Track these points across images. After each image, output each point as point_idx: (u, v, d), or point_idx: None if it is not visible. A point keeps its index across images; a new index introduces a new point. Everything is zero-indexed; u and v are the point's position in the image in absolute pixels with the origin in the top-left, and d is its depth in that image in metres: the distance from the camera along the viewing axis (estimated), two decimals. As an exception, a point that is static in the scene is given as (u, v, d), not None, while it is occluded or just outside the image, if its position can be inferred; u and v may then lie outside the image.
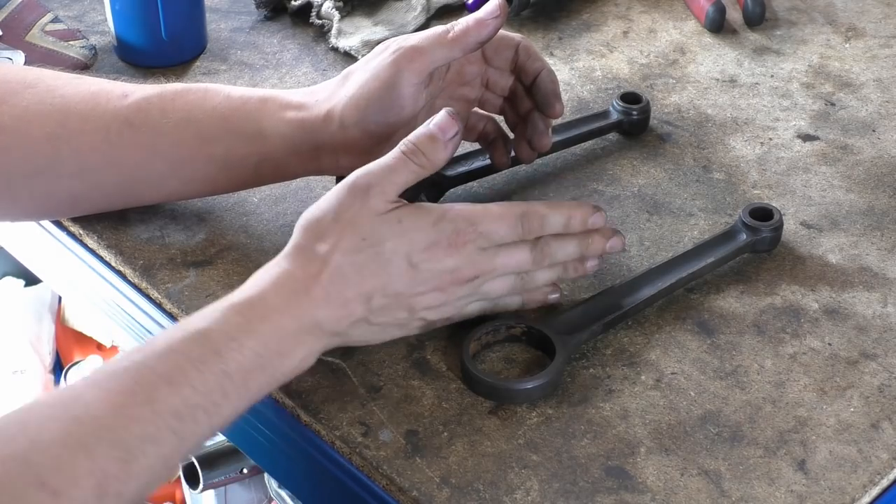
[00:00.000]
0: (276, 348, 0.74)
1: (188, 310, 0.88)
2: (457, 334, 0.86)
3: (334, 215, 0.77)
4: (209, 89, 0.88)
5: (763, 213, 0.94)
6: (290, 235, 0.79)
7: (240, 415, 0.74)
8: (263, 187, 0.98)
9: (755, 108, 1.11)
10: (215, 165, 0.88)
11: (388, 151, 0.80)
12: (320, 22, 1.18)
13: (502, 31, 0.90)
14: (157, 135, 0.87)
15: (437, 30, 0.87)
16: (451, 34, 0.86)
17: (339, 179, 0.81)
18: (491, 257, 0.79)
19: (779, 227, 0.94)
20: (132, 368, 0.70)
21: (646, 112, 1.06)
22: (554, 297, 0.85)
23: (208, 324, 0.73)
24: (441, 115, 0.79)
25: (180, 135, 0.87)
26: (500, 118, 0.97)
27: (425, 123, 0.79)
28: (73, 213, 0.94)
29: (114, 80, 0.91)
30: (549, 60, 1.16)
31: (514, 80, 0.93)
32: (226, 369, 0.71)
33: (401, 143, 0.79)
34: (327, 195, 0.78)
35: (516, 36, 0.92)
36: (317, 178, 0.99)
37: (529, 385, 0.81)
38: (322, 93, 0.88)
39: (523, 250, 0.81)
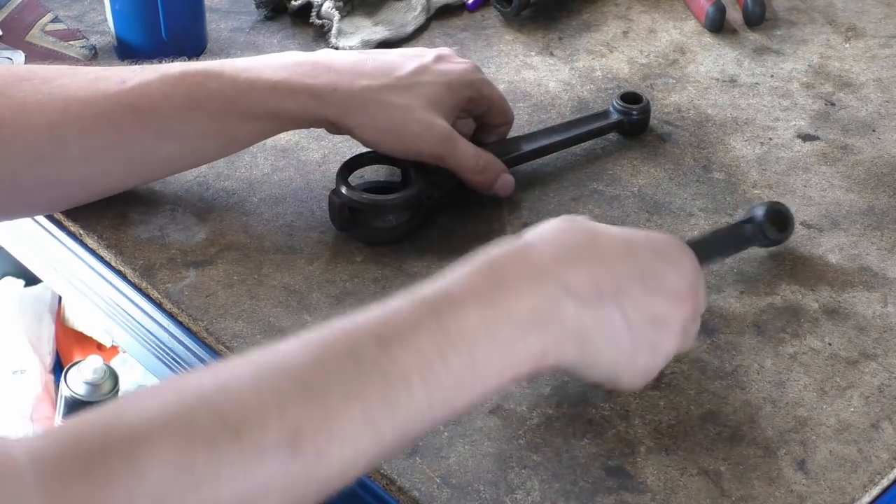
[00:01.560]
0: (507, 315, 0.65)
1: (188, 310, 0.88)
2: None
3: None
4: (208, 73, 0.88)
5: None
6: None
7: (468, 402, 0.64)
8: (263, 187, 0.99)
9: (755, 108, 1.11)
10: (224, 140, 0.91)
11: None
12: (320, 22, 1.18)
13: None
14: (164, 118, 0.87)
15: (468, 156, 0.93)
16: (479, 173, 0.94)
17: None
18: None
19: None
20: (338, 326, 0.63)
21: (646, 112, 1.06)
22: None
23: (435, 289, 0.65)
24: None
25: (188, 117, 0.88)
26: None
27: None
28: (84, 200, 0.93)
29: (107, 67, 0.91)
30: (549, 60, 1.16)
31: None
32: (447, 328, 0.62)
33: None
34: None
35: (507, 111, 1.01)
36: (317, 179, 1.00)
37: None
38: (339, 80, 0.89)
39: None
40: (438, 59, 0.94)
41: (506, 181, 0.95)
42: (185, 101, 0.87)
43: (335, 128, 0.92)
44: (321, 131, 1.06)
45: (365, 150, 0.96)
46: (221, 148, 0.93)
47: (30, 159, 0.86)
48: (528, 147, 1.01)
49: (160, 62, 0.91)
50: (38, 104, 0.86)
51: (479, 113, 0.98)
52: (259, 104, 0.89)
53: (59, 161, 0.87)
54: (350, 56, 0.93)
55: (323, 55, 0.93)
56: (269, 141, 1.04)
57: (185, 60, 0.92)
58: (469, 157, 0.93)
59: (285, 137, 1.05)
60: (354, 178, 0.95)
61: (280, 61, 0.91)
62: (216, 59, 1.14)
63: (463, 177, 0.93)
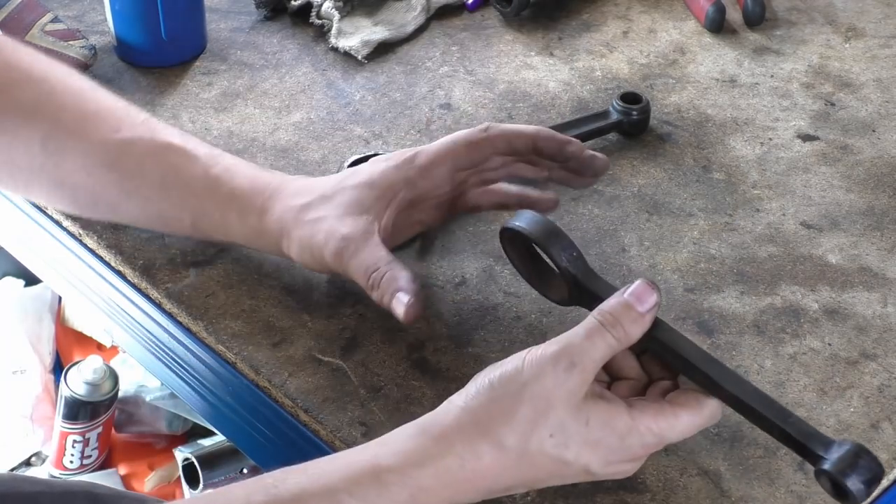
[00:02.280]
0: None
1: (188, 310, 0.88)
2: (457, 334, 0.86)
3: (530, 387, 0.68)
4: (192, 156, 0.87)
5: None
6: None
7: None
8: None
9: (755, 108, 1.11)
10: (184, 224, 0.88)
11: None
12: (320, 22, 1.18)
13: (515, 131, 0.88)
14: (136, 185, 0.87)
15: (361, 268, 0.82)
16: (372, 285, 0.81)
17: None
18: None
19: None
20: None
21: (646, 112, 1.06)
22: None
23: (333, 482, 0.68)
24: (638, 285, 0.72)
25: (152, 193, 0.87)
26: None
27: (620, 292, 0.72)
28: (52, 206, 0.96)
29: (116, 92, 0.91)
30: (549, 60, 1.16)
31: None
32: None
33: (597, 313, 0.71)
34: (523, 357, 0.70)
35: (527, 131, 0.88)
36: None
37: None
38: (284, 210, 0.84)
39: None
40: (372, 161, 0.88)
41: (400, 303, 0.79)
42: (156, 178, 0.87)
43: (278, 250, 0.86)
44: (321, 130, 1.06)
45: (369, 152, 0.96)
46: (182, 229, 0.90)
47: (27, 163, 0.88)
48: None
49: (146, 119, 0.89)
50: (32, 119, 0.87)
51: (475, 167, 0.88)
52: (215, 209, 0.86)
53: (45, 176, 0.88)
54: (309, 179, 0.88)
55: (285, 178, 0.88)
56: (269, 140, 1.04)
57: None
58: (361, 270, 0.81)
59: (285, 137, 1.05)
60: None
61: (250, 173, 0.87)
62: (216, 58, 1.14)
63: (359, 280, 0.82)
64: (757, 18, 1.22)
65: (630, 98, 1.06)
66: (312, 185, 0.86)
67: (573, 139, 0.89)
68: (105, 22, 1.14)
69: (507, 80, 1.13)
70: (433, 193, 0.87)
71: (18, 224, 1.00)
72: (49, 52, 1.07)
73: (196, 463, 1.36)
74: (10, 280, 1.75)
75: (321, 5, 1.18)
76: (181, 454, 1.46)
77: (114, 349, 1.67)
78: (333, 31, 1.16)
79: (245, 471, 1.37)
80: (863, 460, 0.67)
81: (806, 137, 1.08)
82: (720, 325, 0.88)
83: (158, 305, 0.90)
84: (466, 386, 0.71)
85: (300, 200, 0.84)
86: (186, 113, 1.07)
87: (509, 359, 0.71)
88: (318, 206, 0.84)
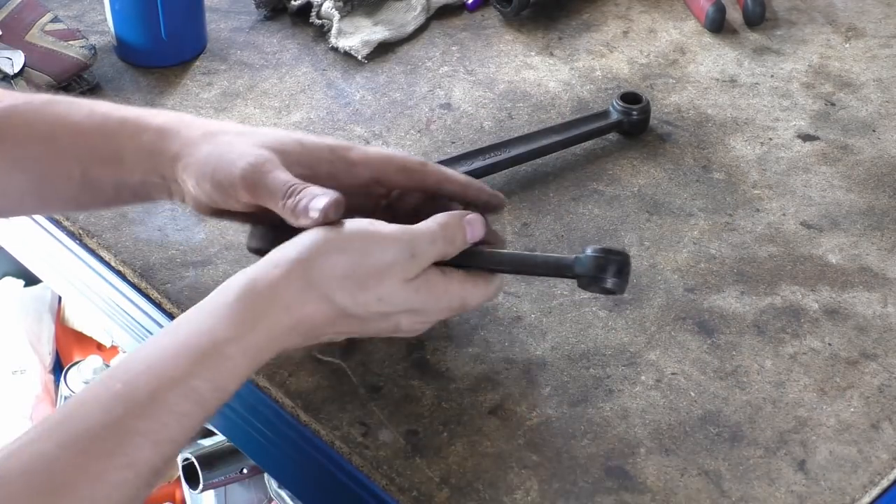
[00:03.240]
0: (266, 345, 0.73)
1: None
2: (457, 334, 0.86)
3: (372, 258, 0.74)
4: (75, 102, 0.84)
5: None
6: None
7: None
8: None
9: (755, 108, 1.11)
10: (74, 184, 0.83)
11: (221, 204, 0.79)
12: (320, 22, 1.18)
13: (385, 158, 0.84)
14: (19, 147, 0.82)
15: (278, 181, 0.78)
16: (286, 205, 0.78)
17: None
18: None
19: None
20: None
21: (646, 112, 1.06)
22: None
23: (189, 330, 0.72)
24: (478, 217, 0.80)
25: (41, 149, 0.82)
26: None
27: (466, 213, 0.79)
28: None
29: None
30: (549, 60, 1.16)
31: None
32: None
33: (440, 224, 0.78)
34: (377, 231, 0.75)
35: (460, 180, 0.86)
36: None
37: None
38: (187, 131, 0.81)
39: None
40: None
41: (320, 200, 0.76)
42: (43, 131, 0.82)
43: (167, 186, 0.82)
44: (321, 130, 1.06)
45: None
46: (71, 196, 0.84)
47: None
48: (527, 147, 1.01)
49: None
50: None
51: (363, 189, 0.84)
52: (107, 141, 0.81)
53: None
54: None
55: (183, 115, 0.85)
56: (269, 141, 1.04)
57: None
58: (278, 182, 0.77)
59: (285, 137, 1.05)
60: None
61: (143, 109, 0.84)
62: (216, 58, 1.14)
63: (274, 208, 0.79)
64: (757, 18, 1.22)
65: (630, 98, 1.06)
66: (225, 123, 0.84)
67: (498, 194, 0.87)
68: (105, 22, 1.14)
69: (507, 80, 1.13)
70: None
71: (18, 224, 1.00)
72: (49, 51, 1.08)
73: (196, 463, 1.36)
74: (10, 280, 1.75)
75: (321, 5, 1.18)
76: (181, 454, 1.46)
77: (114, 349, 1.67)
78: (333, 31, 1.16)
79: (245, 470, 1.37)
80: (611, 256, 0.77)
81: (806, 137, 1.08)
82: (720, 325, 0.88)
83: (158, 305, 0.90)
84: (301, 236, 0.75)
85: (212, 127, 0.81)
86: (186, 113, 1.07)
87: (353, 221, 0.75)
88: (233, 135, 0.80)
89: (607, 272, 0.77)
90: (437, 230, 0.77)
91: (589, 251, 0.77)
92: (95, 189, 0.83)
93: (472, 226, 0.79)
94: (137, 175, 0.81)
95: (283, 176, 0.77)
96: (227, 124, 0.83)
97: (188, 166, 0.79)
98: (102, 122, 0.82)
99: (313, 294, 0.73)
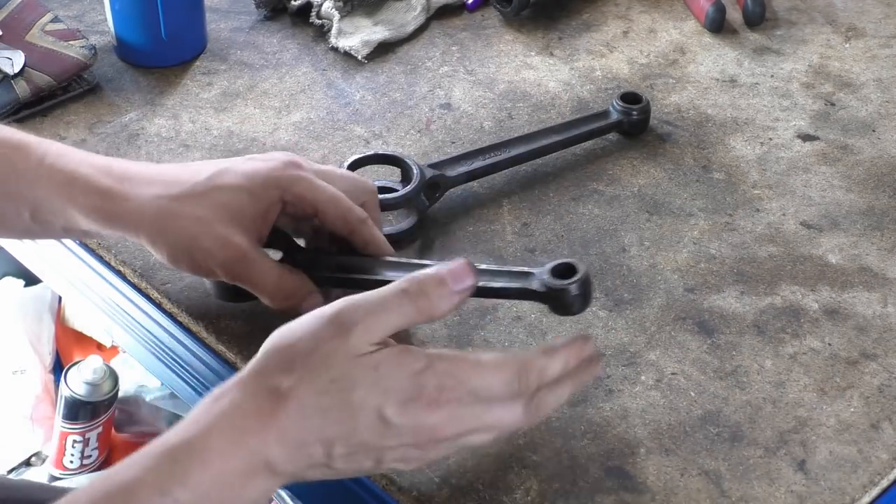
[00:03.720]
0: (218, 497, 0.64)
1: (188, 310, 0.88)
2: (457, 334, 0.86)
3: (306, 346, 0.66)
4: (23, 147, 0.81)
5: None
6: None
7: None
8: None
9: (755, 108, 1.11)
10: (25, 221, 0.82)
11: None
12: (320, 22, 1.18)
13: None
14: None
15: (268, 279, 0.79)
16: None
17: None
18: (479, 415, 0.68)
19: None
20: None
21: (646, 112, 1.06)
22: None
23: (135, 474, 0.64)
24: (458, 263, 0.70)
25: None
26: None
27: (439, 266, 0.70)
28: None
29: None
30: (549, 60, 1.16)
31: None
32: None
33: (405, 279, 0.69)
34: (305, 320, 0.68)
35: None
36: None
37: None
38: (130, 189, 0.80)
39: (516, 409, 0.69)
40: (248, 158, 0.82)
41: (312, 303, 0.78)
42: None
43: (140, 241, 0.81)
44: (321, 130, 1.06)
45: (369, 152, 0.96)
46: (24, 229, 0.83)
47: None
48: (527, 147, 1.01)
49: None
50: None
51: (307, 218, 0.82)
52: (49, 198, 0.80)
53: None
54: (161, 166, 0.83)
55: (134, 164, 0.83)
56: (269, 140, 1.04)
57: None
58: (268, 281, 0.78)
59: (285, 137, 1.05)
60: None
61: (88, 159, 0.82)
62: (216, 58, 1.14)
63: (268, 301, 0.80)
64: (757, 18, 1.22)
65: (630, 98, 1.06)
66: (175, 174, 0.81)
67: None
68: (105, 22, 1.14)
69: (507, 80, 1.13)
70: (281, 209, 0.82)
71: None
72: (49, 51, 1.08)
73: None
74: (10, 280, 1.75)
75: (321, 5, 1.18)
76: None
77: (114, 349, 1.67)
78: (333, 31, 1.16)
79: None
80: (569, 272, 0.74)
81: (806, 137, 1.08)
82: (720, 325, 0.88)
83: (158, 305, 0.90)
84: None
85: (166, 190, 0.79)
86: (186, 113, 1.07)
87: (293, 324, 0.68)
88: (192, 202, 0.79)
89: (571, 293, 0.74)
90: (396, 284, 0.69)
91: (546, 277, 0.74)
92: (47, 228, 0.82)
93: (454, 275, 0.69)
94: (86, 227, 0.80)
95: (269, 273, 0.78)
96: (180, 176, 0.80)
97: (160, 244, 0.79)
98: (51, 174, 0.80)
99: (264, 390, 0.66)
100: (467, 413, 0.68)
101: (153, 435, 1.68)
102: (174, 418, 1.57)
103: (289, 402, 0.65)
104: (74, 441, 1.55)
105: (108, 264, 0.93)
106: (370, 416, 0.66)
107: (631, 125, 1.06)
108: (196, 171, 0.80)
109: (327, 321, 0.67)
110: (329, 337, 0.66)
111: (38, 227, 0.82)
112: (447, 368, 0.67)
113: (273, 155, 0.82)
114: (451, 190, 0.97)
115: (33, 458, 1.61)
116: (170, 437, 0.66)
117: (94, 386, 1.52)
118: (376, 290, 0.68)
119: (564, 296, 0.74)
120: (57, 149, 0.82)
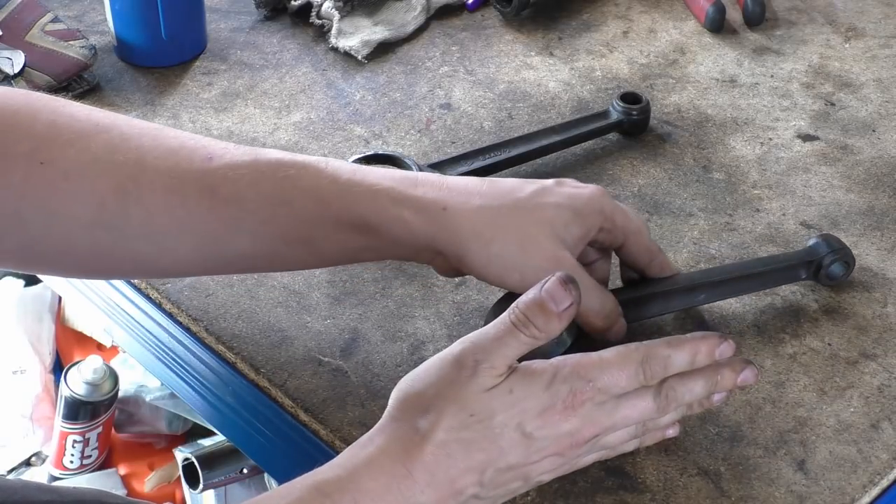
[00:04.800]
0: None
1: (188, 310, 0.88)
2: (457, 334, 0.86)
3: (436, 390, 0.68)
4: (308, 165, 0.77)
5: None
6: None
7: None
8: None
9: (755, 108, 1.11)
10: (308, 249, 0.78)
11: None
12: (320, 22, 1.18)
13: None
14: (244, 210, 0.76)
15: (595, 299, 0.79)
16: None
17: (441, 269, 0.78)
18: (611, 412, 0.71)
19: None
20: None
21: (646, 112, 1.06)
22: (673, 431, 0.77)
23: None
24: (552, 283, 0.69)
25: (271, 213, 0.76)
26: None
27: (536, 287, 0.70)
28: (137, 276, 0.88)
29: (196, 133, 0.80)
30: (549, 60, 1.16)
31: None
32: None
33: (509, 310, 0.69)
34: (428, 365, 0.69)
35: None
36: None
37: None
38: (449, 197, 0.77)
39: (646, 399, 0.72)
40: (560, 183, 0.81)
41: (621, 328, 0.81)
42: (273, 194, 0.76)
43: (443, 259, 0.78)
44: (321, 130, 1.06)
45: (374, 151, 0.96)
46: (301, 259, 0.80)
47: (87, 222, 0.75)
48: (527, 147, 1.01)
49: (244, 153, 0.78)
50: (111, 164, 0.75)
51: (613, 247, 0.83)
52: (356, 211, 0.76)
53: (117, 231, 0.76)
54: (461, 178, 0.80)
55: (431, 175, 0.80)
56: (269, 140, 1.04)
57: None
58: (595, 299, 0.79)
59: (285, 137, 1.05)
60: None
61: (384, 172, 0.79)
62: (216, 58, 1.14)
63: (582, 319, 0.79)
64: (757, 18, 1.22)
65: (630, 98, 1.06)
66: (490, 188, 0.79)
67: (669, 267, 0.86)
68: (105, 22, 1.14)
69: (507, 80, 1.13)
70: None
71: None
72: (49, 51, 1.08)
73: (196, 463, 1.36)
74: (10, 280, 1.75)
75: (321, 5, 1.18)
76: (181, 454, 1.46)
77: (114, 349, 1.67)
78: (333, 31, 1.16)
79: (245, 471, 1.37)
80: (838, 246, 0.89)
81: (806, 137, 1.08)
82: (720, 325, 0.88)
83: (158, 305, 0.90)
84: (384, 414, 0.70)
85: (488, 202, 0.77)
86: (186, 113, 1.07)
87: (418, 371, 0.69)
88: (519, 216, 0.77)
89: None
90: (504, 317, 0.69)
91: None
92: (332, 253, 0.79)
93: (552, 295, 0.69)
94: (389, 244, 0.78)
95: (596, 292, 0.79)
96: (499, 187, 0.79)
97: (476, 261, 0.76)
98: (348, 190, 0.77)
99: (407, 436, 0.68)
100: (600, 411, 0.70)
101: (153, 435, 1.69)
102: (174, 418, 1.57)
103: (432, 441, 0.67)
104: (74, 441, 1.54)
105: (108, 264, 0.93)
106: (513, 436, 0.68)
107: (631, 125, 1.06)
108: (514, 187, 0.79)
109: (451, 364, 0.69)
110: (455, 377, 0.68)
111: (319, 255, 0.79)
112: (573, 371, 0.69)
113: (583, 184, 0.82)
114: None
115: (33, 458, 1.61)
116: (317, 476, 0.67)
117: (94, 386, 1.52)
118: (489, 325, 0.69)
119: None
120: (346, 166, 0.78)
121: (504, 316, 0.69)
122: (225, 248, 0.78)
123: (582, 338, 0.79)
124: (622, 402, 0.71)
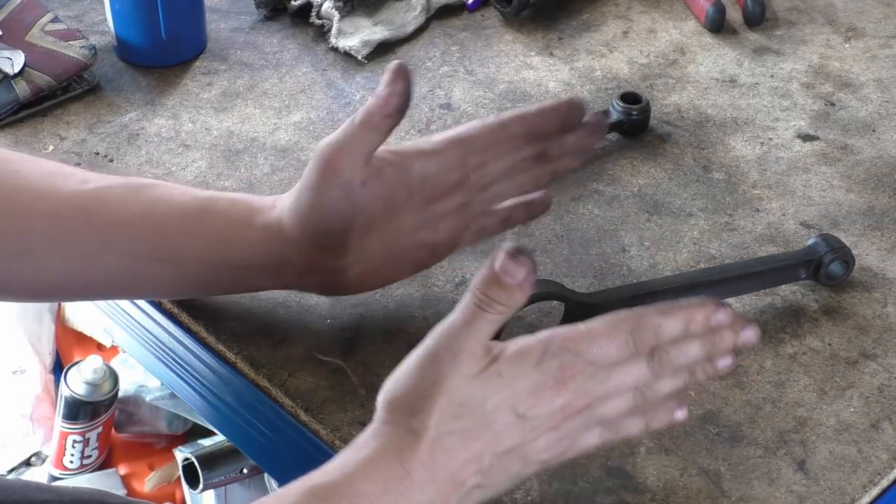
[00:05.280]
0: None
1: (188, 310, 0.88)
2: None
3: (420, 390, 0.67)
4: (177, 186, 0.82)
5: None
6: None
7: None
8: (263, 187, 0.98)
9: (755, 108, 1.11)
10: (171, 267, 0.80)
11: (342, 261, 0.78)
12: (320, 22, 1.18)
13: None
14: (114, 226, 0.79)
15: (349, 120, 0.80)
16: (357, 119, 0.79)
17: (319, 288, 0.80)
18: (603, 381, 0.69)
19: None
20: None
21: (646, 112, 1.06)
22: (681, 414, 0.73)
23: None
24: (502, 259, 0.67)
25: (139, 230, 0.79)
26: None
27: (488, 264, 0.67)
28: (12, 299, 0.87)
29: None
30: (549, 60, 1.16)
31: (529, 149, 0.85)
32: None
33: (469, 293, 0.68)
34: (407, 366, 0.68)
35: (534, 109, 0.83)
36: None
37: None
38: (279, 199, 0.81)
39: (638, 365, 0.70)
40: None
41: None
42: (142, 210, 0.78)
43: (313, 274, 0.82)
44: (321, 130, 1.06)
45: None
46: (164, 280, 0.82)
47: None
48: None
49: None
50: None
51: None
52: (217, 222, 0.80)
53: None
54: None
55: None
56: (269, 140, 1.04)
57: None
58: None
59: (285, 137, 1.05)
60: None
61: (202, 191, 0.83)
62: (216, 58, 1.14)
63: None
64: (757, 18, 1.22)
65: (630, 98, 1.06)
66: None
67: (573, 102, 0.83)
68: (105, 22, 1.14)
69: (507, 80, 1.13)
70: (442, 179, 0.82)
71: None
72: (49, 51, 1.08)
73: (196, 463, 1.36)
74: (10, 280, 1.75)
75: (321, 5, 1.18)
76: (181, 454, 1.46)
77: (114, 349, 1.67)
78: (333, 31, 1.16)
79: (245, 471, 1.37)
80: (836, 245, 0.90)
81: (806, 137, 1.08)
82: (720, 325, 0.88)
83: (158, 305, 0.90)
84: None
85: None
86: (186, 113, 1.07)
87: (398, 373, 0.69)
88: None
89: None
90: (467, 302, 0.68)
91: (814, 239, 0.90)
92: (194, 273, 0.81)
93: (506, 271, 0.66)
94: (246, 257, 0.80)
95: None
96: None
97: (290, 225, 0.79)
98: (211, 203, 0.80)
99: (401, 436, 0.67)
100: (592, 381, 0.69)
101: (153, 435, 1.69)
102: (174, 418, 1.57)
103: (426, 438, 0.66)
104: (74, 441, 1.54)
105: (108, 264, 0.93)
106: (507, 419, 0.67)
107: (631, 125, 1.06)
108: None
109: (429, 361, 0.68)
110: (438, 373, 0.67)
111: (182, 275, 0.81)
112: (562, 346, 0.68)
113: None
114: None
115: (33, 458, 1.61)
116: (312, 480, 0.66)
117: (94, 386, 1.52)
118: (454, 313, 0.68)
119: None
120: (204, 190, 0.82)
121: (466, 300, 0.68)
122: (95, 267, 0.79)
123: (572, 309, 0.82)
124: (614, 370, 0.69)
